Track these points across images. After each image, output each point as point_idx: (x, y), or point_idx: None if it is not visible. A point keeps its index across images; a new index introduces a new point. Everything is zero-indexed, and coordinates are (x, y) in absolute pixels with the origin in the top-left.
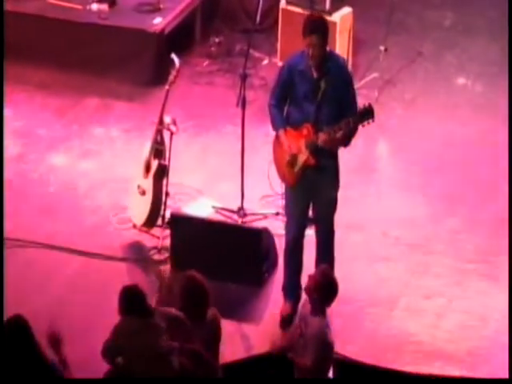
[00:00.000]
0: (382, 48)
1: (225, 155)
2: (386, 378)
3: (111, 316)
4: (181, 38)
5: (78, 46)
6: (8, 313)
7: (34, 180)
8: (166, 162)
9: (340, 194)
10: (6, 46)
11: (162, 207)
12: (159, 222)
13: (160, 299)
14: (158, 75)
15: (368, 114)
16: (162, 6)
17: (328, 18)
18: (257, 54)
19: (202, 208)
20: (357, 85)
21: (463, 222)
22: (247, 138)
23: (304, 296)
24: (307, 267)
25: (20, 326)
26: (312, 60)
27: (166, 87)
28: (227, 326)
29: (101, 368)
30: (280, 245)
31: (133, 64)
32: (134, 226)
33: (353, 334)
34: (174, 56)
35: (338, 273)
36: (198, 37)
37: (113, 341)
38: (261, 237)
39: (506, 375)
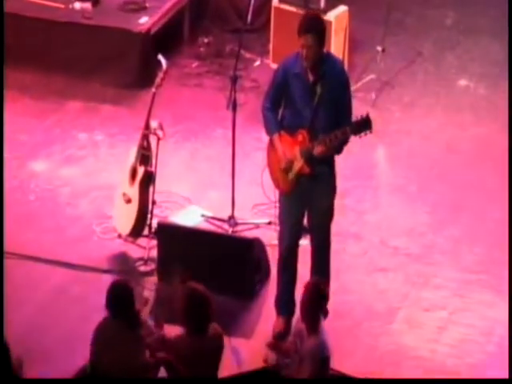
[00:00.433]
0: (379, 48)
1: (214, 161)
2: None
3: None
4: (168, 38)
5: (60, 47)
6: None
7: (14, 187)
8: (153, 169)
9: (336, 202)
10: None
11: (149, 216)
12: (145, 231)
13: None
14: (145, 77)
15: (366, 124)
16: (148, 4)
17: (322, 17)
18: (248, 55)
19: (190, 217)
20: (353, 87)
21: (465, 231)
22: (238, 143)
23: (298, 310)
24: (303, 279)
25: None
26: (306, 61)
27: (153, 90)
28: None
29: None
30: (273, 256)
31: (118, 65)
32: (119, 236)
33: (350, 349)
34: (160, 57)
35: (335, 284)
36: (186, 37)
37: (95, 342)
38: (252, 247)
39: None
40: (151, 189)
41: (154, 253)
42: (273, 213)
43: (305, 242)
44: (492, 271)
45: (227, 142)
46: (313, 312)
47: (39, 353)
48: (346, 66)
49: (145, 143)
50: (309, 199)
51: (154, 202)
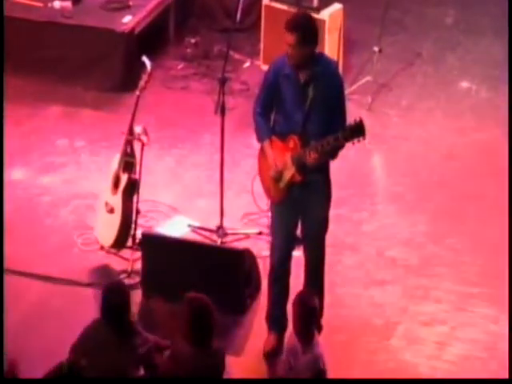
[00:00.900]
0: (376, 49)
1: (202, 168)
2: None
3: None
4: (153, 39)
5: (39, 48)
6: None
7: None
8: (137, 176)
9: (331, 211)
10: None
11: (133, 226)
12: (129, 243)
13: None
14: (128, 80)
15: (359, 130)
16: (131, 3)
17: (316, 15)
18: (237, 56)
19: (176, 227)
20: (348, 90)
21: (466, 241)
22: (227, 150)
23: (291, 325)
24: (296, 292)
25: None
26: (289, 61)
27: (137, 93)
28: None
29: None
30: (264, 268)
31: (100, 67)
32: (102, 248)
33: (346, 366)
34: (145, 58)
35: (330, 297)
36: (172, 37)
37: (81, 342)
38: (242, 259)
39: None
40: (135, 198)
41: (139, 265)
42: (264, 222)
43: (298, 253)
44: (495, 283)
45: (215, 148)
46: (305, 326)
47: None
48: (340, 68)
49: (128, 149)
50: (302, 208)
51: (138, 212)
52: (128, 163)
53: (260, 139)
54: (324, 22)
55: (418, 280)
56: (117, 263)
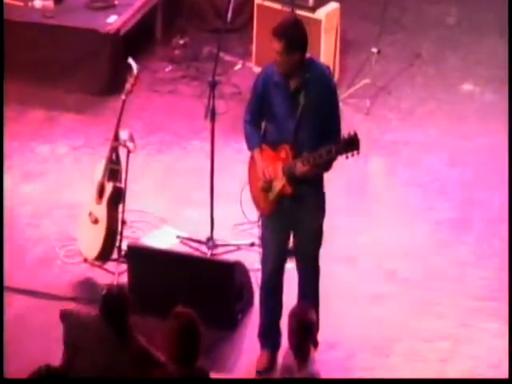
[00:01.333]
0: (374, 50)
1: (191, 176)
2: None
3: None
4: (139, 40)
5: (18, 50)
6: None
7: None
8: (123, 185)
9: (327, 222)
10: None
11: (118, 238)
12: (114, 255)
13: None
14: (113, 83)
15: (353, 144)
16: (117, 2)
17: (311, 15)
18: (228, 58)
19: (164, 238)
20: (345, 93)
21: (470, 253)
22: (217, 156)
23: (285, 343)
24: (289, 307)
25: None
26: (276, 67)
27: (123, 97)
28: None
29: None
30: (256, 281)
31: (83, 70)
32: (85, 260)
33: None
34: (131, 60)
35: (325, 313)
36: (160, 38)
37: (78, 336)
38: (233, 272)
39: None
40: (121, 207)
41: (124, 279)
42: (256, 233)
43: (290, 266)
44: (500, 297)
45: (205, 154)
46: (301, 341)
47: None
48: (337, 70)
49: (113, 156)
50: (293, 221)
51: (123, 222)
52: (113, 171)
53: (250, 148)
54: (320, 21)
55: (419, 294)
56: (101, 276)
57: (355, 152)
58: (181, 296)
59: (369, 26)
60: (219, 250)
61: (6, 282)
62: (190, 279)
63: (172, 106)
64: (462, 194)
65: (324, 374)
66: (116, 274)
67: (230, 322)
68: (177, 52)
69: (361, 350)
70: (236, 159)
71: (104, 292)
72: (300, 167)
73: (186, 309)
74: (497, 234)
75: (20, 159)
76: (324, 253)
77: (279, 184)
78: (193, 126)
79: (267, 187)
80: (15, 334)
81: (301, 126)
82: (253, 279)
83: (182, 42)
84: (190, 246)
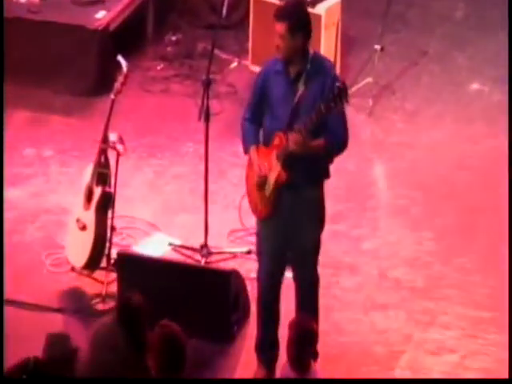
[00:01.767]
0: (377, 47)
1: (184, 180)
2: None
3: None
4: (129, 36)
5: (1, 47)
6: None
7: None
8: (112, 190)
9: (328, 228)
10: None
11: (107, 245)
12: (103, 263)
13: None
14: (102, 82)
15: (340, 95)
16: None
17: (311, 10)
18: (223, 55)
19: (156, 246)
20: None
21: (477, 261)
22: (212, 159)
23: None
24: (288, 318)
25: None
26: (278, 53)
27: (112, 97)
28: None
29: None
30: (253, 291)
31: (71, 69)
32: (73, 269)
33: None
34: (120, 58)
35: (326, 324)
36: (151, 34)
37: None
38: (229, 281)
39: None
40: (110, 213)
41: (114, 288)
42: (253, 240)
43: (289, 275)
44: (508, 307)
45: (199, 157)
46: (301, 352)
47: None
48: (338, 68)
49: (102, 160)
50: (291, 227)
51: (113, 229)
52: (102, 175)
53: (246, 146)
54: (320, 17)
55: (423, 304)
56: (90, 286)
57: (344, 100)
58: (173, 307)
59: (372, 21)
60: (214, 257)
61: None
62: (183, 289)
63: (164, 107)
64: (469, 198)
65: None
66: (105, 283)
67: (226, 335)
68: (169, 49)
69: (364, 363)
70: (231, 162)
71: (120, 301)
72: (292, 137)
73: (171, 322)
74: (505, 241)
75: (4, 163)
76: (325, 260)
77: (274, 174)
78: (186, 128)
79: (262, 182)
80: None
81: (297, 113)
82: (249, 289)
83: (174, 38)
84: (183, 254)
